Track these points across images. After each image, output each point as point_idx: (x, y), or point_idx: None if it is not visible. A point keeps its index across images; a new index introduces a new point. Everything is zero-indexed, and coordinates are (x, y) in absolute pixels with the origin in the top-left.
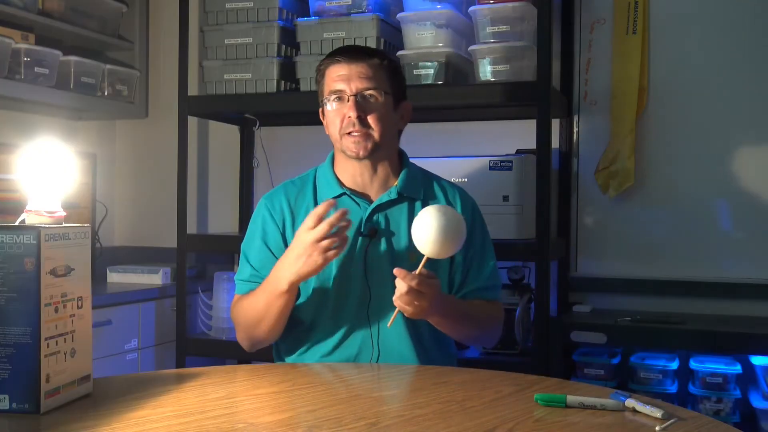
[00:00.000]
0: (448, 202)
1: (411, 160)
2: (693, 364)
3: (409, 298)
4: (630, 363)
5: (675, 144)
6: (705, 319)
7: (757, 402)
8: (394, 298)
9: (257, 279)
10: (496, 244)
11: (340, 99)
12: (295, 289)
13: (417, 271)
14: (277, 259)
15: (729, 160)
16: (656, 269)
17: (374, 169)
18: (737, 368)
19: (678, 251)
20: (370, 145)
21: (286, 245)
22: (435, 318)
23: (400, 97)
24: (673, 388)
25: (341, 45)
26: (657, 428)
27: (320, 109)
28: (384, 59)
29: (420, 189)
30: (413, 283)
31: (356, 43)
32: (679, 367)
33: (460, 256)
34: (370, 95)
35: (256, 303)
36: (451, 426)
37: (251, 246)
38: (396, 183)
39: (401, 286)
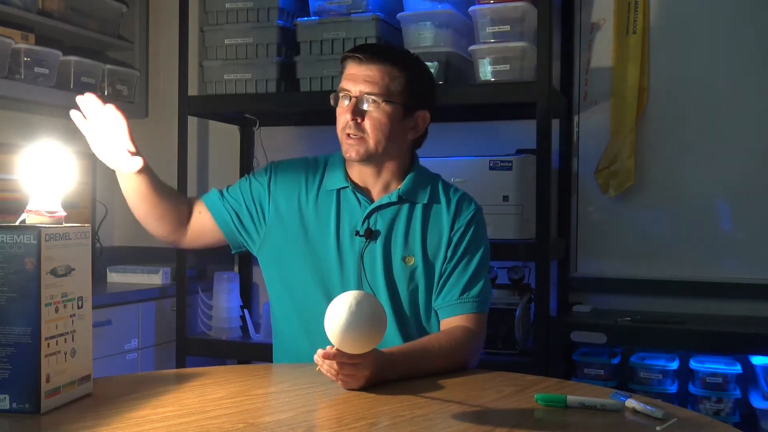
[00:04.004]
0: (449, 210)
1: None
2: (693, 364)
3: (345, 376)
4: (630, 363)
5: (675, 144)
6: (705, 319)
7: (757, 402)
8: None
9: (214, 197)
10: (496, 245)
11: (345, 98)
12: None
13: (333, 351)
14: (243, 206)
15: (729, 160)
16: (656, 269)
17: (377, 172)
18: (737, 368)
19: (678, 251)
20: (362, 150)
21: (263, 214)
22: (392, 379)
23: (416, 106)
24: (673, 388)
25: (341, 45)
26: (657, 428)
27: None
28: (403, 69)
29: (424, 194)
30: (337, 367)
31: (356, 44)
32: (679, 367)
33: (442, 264)
34: (372, 101)
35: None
36: (451, 426)
37: (239, 183)
38: (399, 186)
39: (329, 366)
